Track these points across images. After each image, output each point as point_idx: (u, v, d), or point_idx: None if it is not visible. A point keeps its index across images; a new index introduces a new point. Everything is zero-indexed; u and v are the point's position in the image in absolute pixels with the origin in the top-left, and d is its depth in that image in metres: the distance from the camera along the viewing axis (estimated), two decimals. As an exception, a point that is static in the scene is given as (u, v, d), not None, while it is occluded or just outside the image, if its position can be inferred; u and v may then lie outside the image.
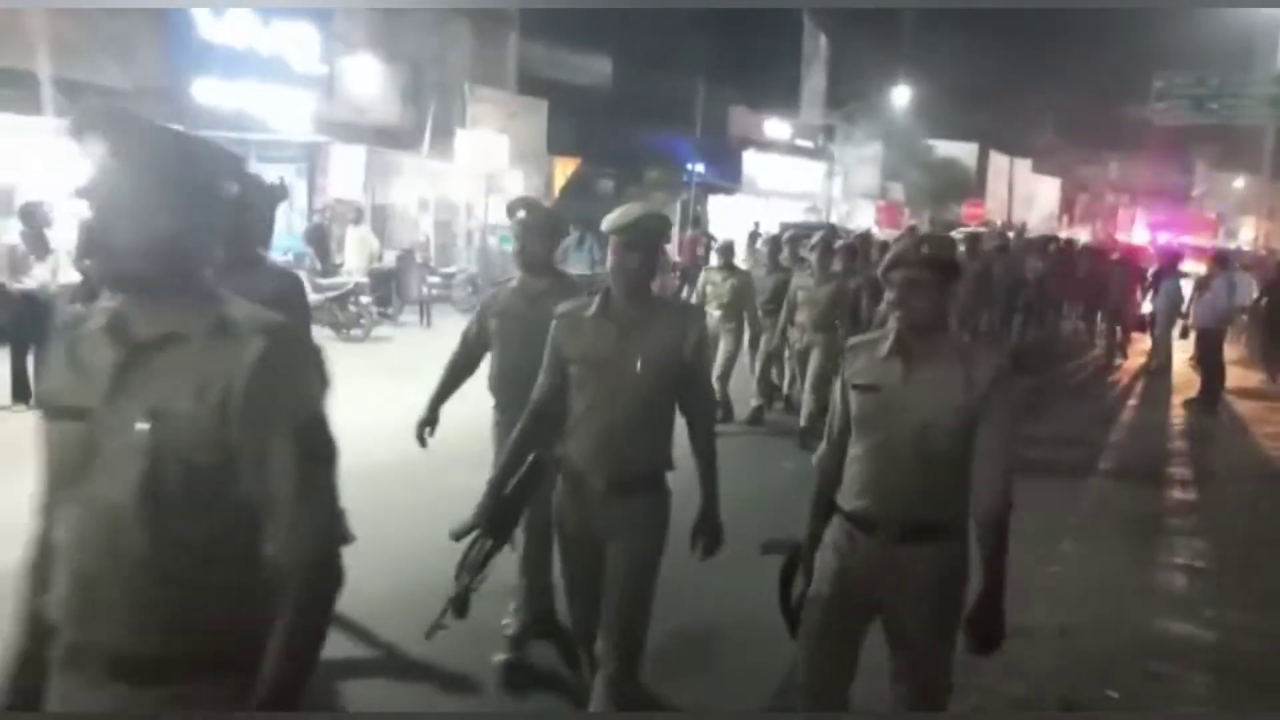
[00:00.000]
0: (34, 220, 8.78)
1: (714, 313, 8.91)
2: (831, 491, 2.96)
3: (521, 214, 4.09)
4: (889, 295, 2.83)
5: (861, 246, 10.10)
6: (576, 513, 3.23)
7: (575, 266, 18.31)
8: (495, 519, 3.20)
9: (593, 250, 19.24)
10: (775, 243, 10.25)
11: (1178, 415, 11.46)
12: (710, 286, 9.19)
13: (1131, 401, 12.38)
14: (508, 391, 4.10)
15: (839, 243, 9.15)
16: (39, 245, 8.74)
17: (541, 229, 4.11)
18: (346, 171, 17.71)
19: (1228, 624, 5.21)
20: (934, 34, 39.45)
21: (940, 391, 2.75)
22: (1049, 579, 5.66)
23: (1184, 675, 4.59)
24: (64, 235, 10.01)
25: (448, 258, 19.61)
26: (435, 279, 16.85)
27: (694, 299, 9.40)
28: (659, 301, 3.31)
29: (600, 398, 3.15)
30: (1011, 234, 23.24)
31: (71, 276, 10.05)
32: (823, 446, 3.07)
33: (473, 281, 17.21)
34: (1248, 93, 28.47)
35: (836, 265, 8.67)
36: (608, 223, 3.18)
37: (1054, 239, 19.82)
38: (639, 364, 3.09)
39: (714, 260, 9.54)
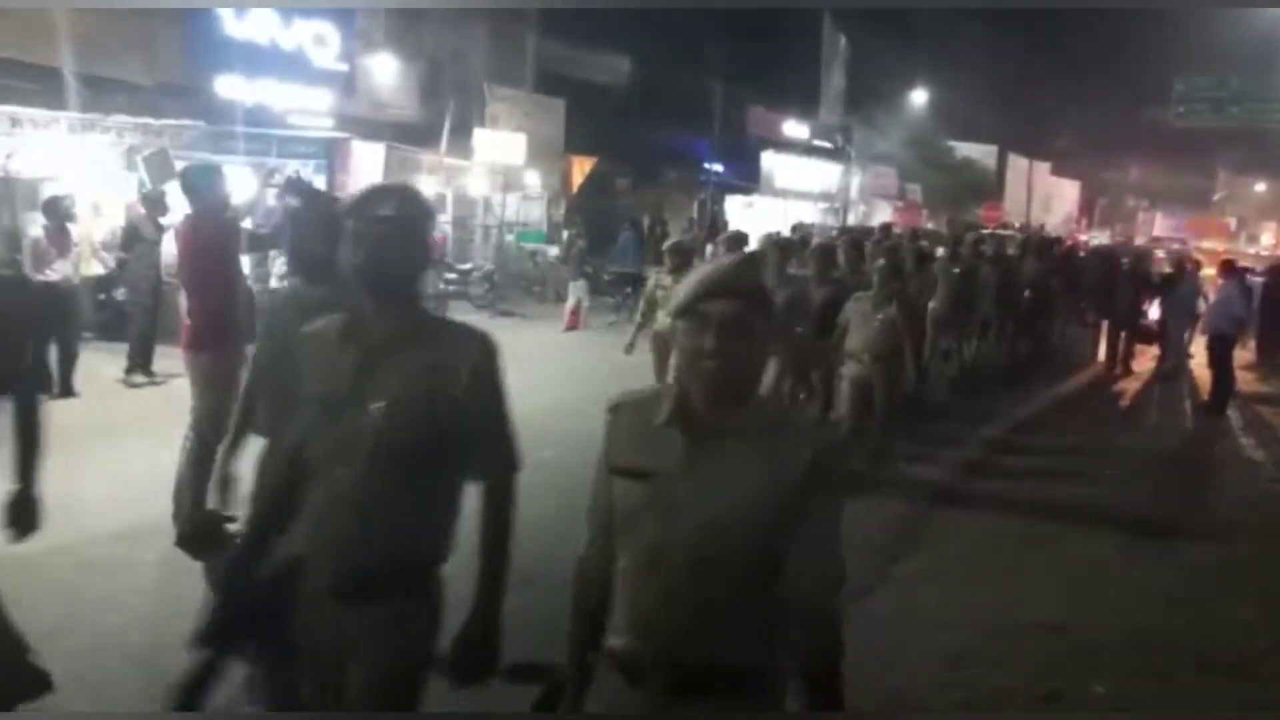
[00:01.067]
0: (57, 215, 8.95)
1: (665, 320, 7.32)
2: (595, 604, 2.07)
3: (292, 200, 3.26)
4: (692, 340, 1.94)
5: (848, 249, 8.87)
6: (302, 625, 2.30)
7: (621, 266, 18.41)
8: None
9: (634, 248, 19.35)
10: (736, 240, 8.95)
11: (1186, 419, 11.47)
12: (660, 291, 7.78)
13: (1140, 405, 12.38)
14: (277, 439, 3.12)
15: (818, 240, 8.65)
16: (61, 239, 8.91)
17: (317, 220, 3.12)
18: (366, 168, 17.80)
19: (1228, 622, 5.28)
20: (954, 35, 39.22)
21: (739, 480, 1.90)
22: (1050, 578, 5.74)
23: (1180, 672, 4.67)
24: (85, 229, 10.17)
25: (465, 254, 19.73)
26: (452, 275, 16.99)
27: (642, 304, 8.28)
28: (423, 319, 2.40)
29: (329, 456, 2.26)
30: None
31: (92, 270, 10.23)
32: (584, 544, 2.13)
33: (489, 278, 17.36)
34: (1269, 96, 28.30)
35: (835, 269, 8.07)
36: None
37: (1056, 240, 19.29)
38: (381, 406, 2.22)
39: (665, 261, 8.00)
